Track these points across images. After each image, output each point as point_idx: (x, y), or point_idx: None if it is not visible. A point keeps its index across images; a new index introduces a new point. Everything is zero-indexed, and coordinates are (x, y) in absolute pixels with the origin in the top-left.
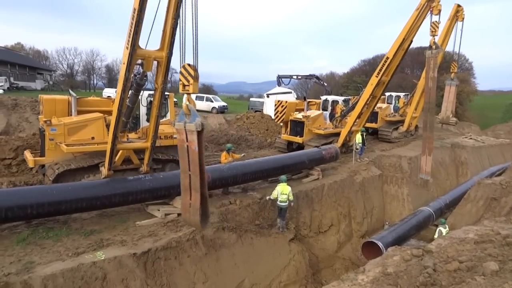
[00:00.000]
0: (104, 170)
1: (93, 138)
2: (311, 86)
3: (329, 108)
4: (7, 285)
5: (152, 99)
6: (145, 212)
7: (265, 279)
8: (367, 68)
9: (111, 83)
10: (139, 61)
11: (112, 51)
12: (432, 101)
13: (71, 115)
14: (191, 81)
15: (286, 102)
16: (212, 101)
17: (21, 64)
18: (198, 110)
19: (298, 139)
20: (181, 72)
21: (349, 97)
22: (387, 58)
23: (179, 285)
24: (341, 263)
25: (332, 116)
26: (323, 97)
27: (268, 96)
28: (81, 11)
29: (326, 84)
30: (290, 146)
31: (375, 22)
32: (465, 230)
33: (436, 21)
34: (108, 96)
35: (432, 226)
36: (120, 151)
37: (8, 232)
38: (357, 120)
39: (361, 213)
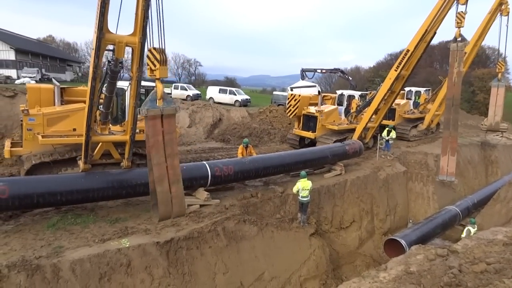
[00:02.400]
0: (81, 164)
1: (74, 129)
2: (335, 80)
3: (345, 103)
4: (38, 267)
5: (143, 90)
6: None
7: (285, 272)
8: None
9: None
10: (111, 47)
11: None
12: (457, 97)
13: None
14: (157, 65)
15: (299, 95)
16: (235, 94)
17: (52, 56)
18: (221, 103)
19: (310, 135)
20: (148, 56)
21: (366, 92)
22: (408, 50)
23: (200, 275)
24: (362, 260)
25: (347, 112)
26: (339, 92)
27: (291, 90)
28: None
29: (351, 78)
30: (302, 142)
31: (403, 15)
32: (494, 231)
33: (462, 12)
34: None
35: (458, 226)
36: (99, 144)
37: (40, 218)
38: (373, 116)
39: (384, 210)
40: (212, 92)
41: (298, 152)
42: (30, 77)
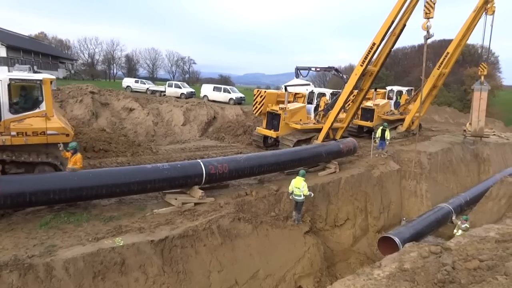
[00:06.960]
0: None
1: None
2: (329, 79)
3: (315, 101)
4: (31, 266)
5: (23, 84)
6: (163, 201)
7: (280, 270)
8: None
9: (131, 73)
10: None
11: (132, 41)
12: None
13: None
14: None
15: (265, 92)
16: (229, 92)
17: (44, 53)
18: (215, 101)
19: (272, 133)
20: None
21: (339, 91)
22: (374, 44)
23: (195, 273)
24: (356, 258)
25: (317, 110)
26: (309, 89)
27: (286, 88)
28: (102, 1)
29: (345, 77)
30: (266, 141)
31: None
32: (486, 229)
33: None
34: None
35: (451, 223)
36: None
37: (32, 216)
38: (343, 115)
39: (378, 208)
40: (206, 90)
41: (293, 150)
42: None
